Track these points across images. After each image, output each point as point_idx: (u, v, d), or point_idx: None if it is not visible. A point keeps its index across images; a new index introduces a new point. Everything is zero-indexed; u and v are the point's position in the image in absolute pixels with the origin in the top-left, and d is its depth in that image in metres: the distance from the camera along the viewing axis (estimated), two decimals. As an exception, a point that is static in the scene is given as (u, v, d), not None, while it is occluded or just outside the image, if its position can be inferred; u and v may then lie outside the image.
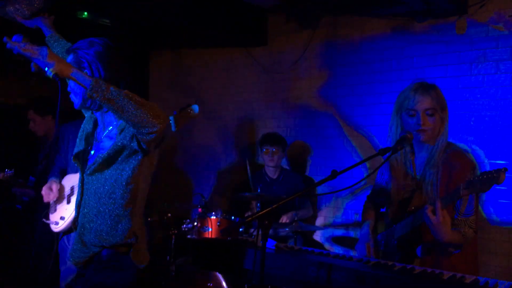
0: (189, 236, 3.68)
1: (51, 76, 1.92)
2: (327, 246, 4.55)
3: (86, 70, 2.09)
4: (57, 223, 3.31)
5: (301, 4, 4.66)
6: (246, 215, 4.37)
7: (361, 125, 4.39)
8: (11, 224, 4.62)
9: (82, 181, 2.23)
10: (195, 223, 3.70)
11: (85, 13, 4.70)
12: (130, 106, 1.91)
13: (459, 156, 2.50)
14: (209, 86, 5.63)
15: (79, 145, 2.30)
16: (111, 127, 2.22)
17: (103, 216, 2.13)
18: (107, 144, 2.18)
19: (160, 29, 5.33)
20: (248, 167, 4.08)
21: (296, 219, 3.77)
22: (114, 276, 2.12)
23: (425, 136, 2.48)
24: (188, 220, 3.88)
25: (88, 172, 2.18)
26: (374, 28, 4.29)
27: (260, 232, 2.05)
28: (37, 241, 4.07)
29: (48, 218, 3.39)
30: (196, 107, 3.07)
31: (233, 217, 3.68)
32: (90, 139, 2.30)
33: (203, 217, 3.70)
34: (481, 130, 3.70)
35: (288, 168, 4.71)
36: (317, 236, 4.65)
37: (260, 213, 2.03)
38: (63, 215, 3.27)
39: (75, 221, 2.27)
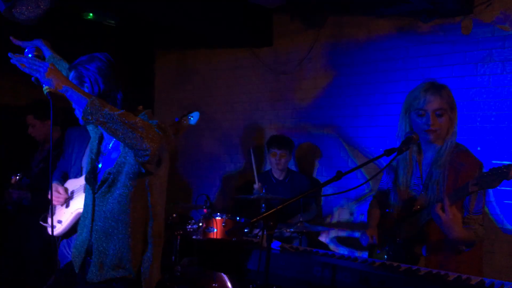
0: (194, 237, 3.68)
1: (45, 93, 2.00)
2: (332, 247, 4.54)
3: (86, 84, 2.13)
4: (54, 227, 3.30)
5: (306, 4, 4.65)
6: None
7: (366, 125, 4.38)
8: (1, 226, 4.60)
9: (93, 202, 2.19)
10: (200, 224, 3.70)
11: (91, 14, 4.72)
12: (122, 129, 1.92)
13: (466, 156, 2.49)
14: (214, 86, 5.63)
15: (88, 167, 2.29)
16: (112, 142, 2.23)
17: (114, 240, 2.11)
18: (114, 155, 2.18)
19: (165, 30, 5.34)
20: (252, 157, 4.07)
21: (301, 220, 3.76)
22: None
23: (434, 136, 2.48)
24: (193, 221, 3.88)
25: (98, 192, 2.15)
26: (380, 28, 4.28)
27: (265, 233, 2.06)
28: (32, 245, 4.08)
29: (46, 221, 3.38)
30: (196, 114, 3.03)
31: (238, 218, 3.68)
32: (97, 156, 2.30)
33: (208, 218, 3.69)
34: (487, 130, 3.68)
35: (295, 169, 4.70)
36: (322, 237, 4.64)
37: (265, 214, 2.04)
38: (60, 219, 3.25)
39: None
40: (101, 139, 2.33)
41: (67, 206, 3.26)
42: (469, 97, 3.75)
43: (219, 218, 3.64)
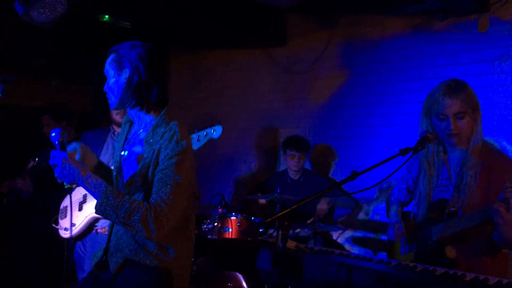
0: (209, 236, 3.70)
1: (65, 187, 2.07)
2: (347, 247, 4.52)
3: (126, 69, 2.09)
4: (67, 229, 3.33)
5: (320, 4, 4.64)
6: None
7: (381, 125, 4.36)
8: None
9: None
10: (216, 224, 3.72)
11: (106, 16, 4.77)
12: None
13: (497, 156, 2.43)
14: (228, 87, 5.65)
15: (114, 165, 2.29)
16: (141, 130, 2.18)
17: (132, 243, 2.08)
18: (137, 149, 2.15)
19: (179, 31, 5.38)
20: None
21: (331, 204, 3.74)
22: None
23: (457, 140, 2.42)
24: (208, 221, 3.90)
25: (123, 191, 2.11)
26: (394, 27, 4.26)
27: (280, 233, 2.06)
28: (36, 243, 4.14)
29: (57, 224, 3.42)
30: (219, 129, 3.03)
31: (253, 218, 3.69)
32: (124, 143, 2.28)
33: (224, 218, 3.71)
34: (505, 130, 3.64)
35: (310, 169, 4.69)
36: (337, 237, 4.62)
37: (280, 214, 2.04)
38: (74, 222, 3.29)
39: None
40: (130, 126, 2.30)
41: (80, 209, 3.29)
42: (486, 96, 3.71)
43: (234, 218, 3.66)
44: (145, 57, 2.08)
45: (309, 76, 4.89)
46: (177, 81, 6.28)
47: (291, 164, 4.34)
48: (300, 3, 4.75)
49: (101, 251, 2.25)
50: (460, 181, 2.42)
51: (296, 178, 4.40)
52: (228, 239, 3.53)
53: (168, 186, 1.97)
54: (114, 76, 2.12)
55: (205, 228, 3.86)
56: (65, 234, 3.35)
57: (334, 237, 4.50)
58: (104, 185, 1.99)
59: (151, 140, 2.06)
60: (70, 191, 2.10)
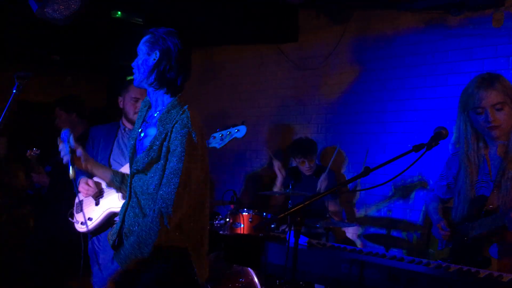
0: (221, 232, 3.72)
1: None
2: (359, 243, 4.51)
3: (156, 51, 2.17)
4: (83, 223, 3.34)
5: (332, -1, 4.62)
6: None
7: (393, 121, 4.33)
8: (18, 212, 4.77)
9: (131, 180, 2.23)
10: (227, 219, 3.73)
11: (119, 12, 4.79)
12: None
13: None
14: (239, 82, 5.65)
15: (130, 143, 2.34)
16: (156, 113, 2.24)
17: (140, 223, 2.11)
18: (152, 131, 2.20)
19: (191, 27, 5.38)
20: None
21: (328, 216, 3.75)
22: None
23: (498, 132, 2.37)
24: (220, 216, 3.92)
25: (133, 171, 2.19)
26: (407, 22, 4.22)
27: (292, 229, 2.06)
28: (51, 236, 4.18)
29: (73, 217, 3.43)
30: (243, 129, 3.02)
31: (265, 214, 3.69)
32: (141, 124, 2.34)
33: (235, 213, 3.72)
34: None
35: (319, 163, 4.68)
36: (349, 233, 4.61)
37: (292, 209, 2.04)
38: (91, 216, 3.29)
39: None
40: (148, 109, 2.35)
41: (97, 203, 3.31)
42: (500, 91, 3.66)
43: (246, 213, 3.67)
44: (177, 45, 2.19)
45: (321, 72, 4.87)
46: (188, 77, 6.29)
47: (303, 169, 4.36)
48: (312, -2, 4.73)
49: (114, 234, 2.28)
50: (500, 176, 2.36)
51: (308, 174, 4.39)
52: (240, 234, 3.54)
53: (171, 185, 2.03)
54: (144, 56, 2.20)
55: (217, 224, 3.88)
56: (81, 228, 3.36)
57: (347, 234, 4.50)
58: None
59: (165, 120, 2.14)
60: (74, 181, 2.18)
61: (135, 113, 3.28)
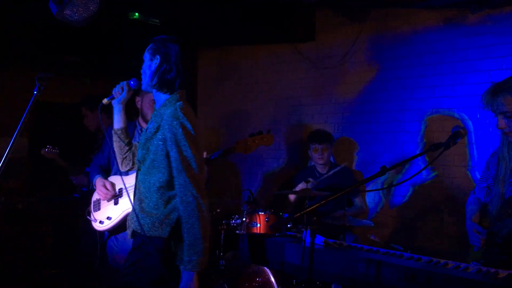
0: (238, 232, 3.72)
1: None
2: (382, 244, 4.47)
3: (157, 56, 2.43)
4: (101, 222, 3.37)
5: (349, -2, 4.59)
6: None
7: (412, 120, 4.29)
8: (68, 215, 4.88)
9: (137, 175, 2.50)
10: (244, 219, 3.74)
11: (136, 14, 4.84)
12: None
13: None
14: (256, 82, 5.66)
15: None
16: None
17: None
18: (148, 132, 2.43)
19: (207, 27, 5.41)
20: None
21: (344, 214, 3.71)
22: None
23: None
24: (236, 216, 3.92)
25: (138, 167, 2.50)
26: (426, 20, 4.17)
27: (308, 228, 2.07)
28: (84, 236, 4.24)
29: (90, 215, 3.47)
30: (270, 138, 3.17)
31: (281, 213, 3.69)
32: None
33: (252, 213, 3.72)
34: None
35: (335, 162, 4.66)
36: (368, 233, 4.58)
37: (308, 209, 2.04)
38: (110, 216, 3.32)
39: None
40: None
41: (116, 203, 3.34)
42: (521, 89, 3.60)
43: (262, 213, 3.67)
44: (175, 50, 2.43)
45: (338, 71, 4.85)
46: (205, 77, 6.32)
47: (316, 157, 4.36)
48: (329, -3, 4.71)
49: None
50: None
51: (324, 172, 4.38)
52: (256, 234, 3.55)
53: (182, 176, 2.25)
54: (148, 62, 2.47)
55: (233, 223, 3.89)
56: (98, 227, 3.40)
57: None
58: None
59: (157, 114, 2.39)
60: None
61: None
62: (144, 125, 3.42)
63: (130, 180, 3.15)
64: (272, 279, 3.63)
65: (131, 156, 2.66)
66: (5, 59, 5.61)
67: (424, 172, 4.09)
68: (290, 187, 4.52)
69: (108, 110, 4.42)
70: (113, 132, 2.69)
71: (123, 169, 2.70)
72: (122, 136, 2.66)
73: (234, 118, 5.84)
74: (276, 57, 5.43)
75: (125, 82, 2.62)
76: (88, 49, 5.68)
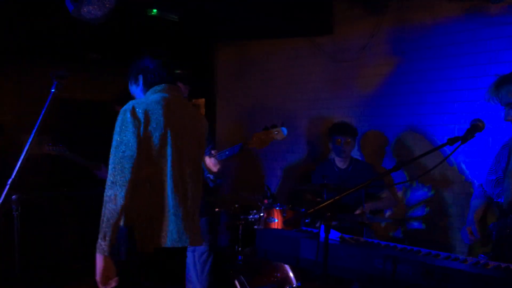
0: (255, 227, 3.73)
1: None
2: (399, 239, 4.42)
3: (137, 76, 2.66)
4: None
5: (367, -10, 4.53)
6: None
7: (432, 113, 4.22)
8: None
9: None
10: (262, 214, 3.75)
11: (154, 10, 4.86)
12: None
13: None
14: (274, 76, 5.64)
15: None
16: None
17: None
18: None
19: (225, 22, 5.41)
20: None
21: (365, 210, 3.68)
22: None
23: None
24: (254, 211, 3.93)
25: None
26: (446, 10, 4.09)
27: (323, 224, 2.05)
28: None
29: None
30: (284, 130, 3.04)
31: (298, 208, 3.68)
32: None
33: (270, 208, 3.73)
34: None
35: (360, 159, 4.60)
36: (390, 229, 4.53)
37: (322, 204, 2.03)
38: None
39: None
40: None
41: None
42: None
43: (280, 208, 3.67)
44: (151, 60, 2.62)
45: (356, 64, 4.79)
46: (223, 72, 6.33)
47: (338, 149, 4.24)
48: (347, -11, 4.65)
49: None
50: None
51: (343, 167, 4.31)
52: (274, 229, 3.55)
53: (110, 168, 2.28)
54: (134, 86, 2.72)
55: (251, 218, 3.90)
56: None
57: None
58: None
59: None
60: None
61: None
62: None
63: None
64: (291, 274, 3.63)
65: None
66: (28, 57, 5.72)
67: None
68: (308, 182, 4.50)
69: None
70: None
71: None
72: None
73: (253, 112, 5.83)
74: (294, 51, 5.40)
75: None
76: (108, 46, 5.74)
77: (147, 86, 2.60)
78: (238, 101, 6.06)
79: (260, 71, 5.81)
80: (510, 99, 2.31)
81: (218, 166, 3.03)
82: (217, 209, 4.29)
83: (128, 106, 2.38)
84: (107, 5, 3.10)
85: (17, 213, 2.39)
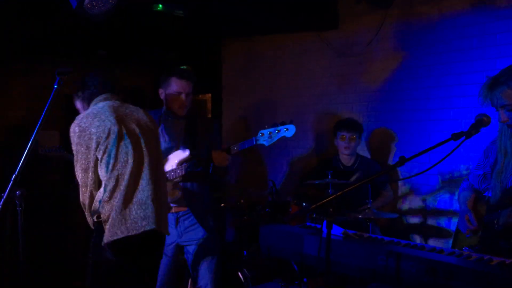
0: (260, 222, 3.73)
1: None
2: (405, 234, 4.39)
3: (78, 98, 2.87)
4: None
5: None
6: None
7: (439, 108, 4.17)
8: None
9: None
10: (267, 209, 3.74)
11: (160, 5, 4.86)
12: None
13: None
14: (281, 72, 5.61)
15: None
16: None
17: None
18: None
19: (232, 18, 5.39)
20: None
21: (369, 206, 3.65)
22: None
23: None
24: (260, 206, 3.93)
25: None
26: (453, 4, 4.04)
27: (325, 220, 2.04)
28: None
29: None
30: (292, 128, 2.97)
31: (304, 204, 3.67)
32: None
33: (275, 204, 3.72)
34: None
35: (367, 155, 4.56)
36: (395, 223, 4.50)
37: (325, 200, 2.01)
38: None
39: None
40: None
41: None
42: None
43: (285, 203, 3.65)
44: (86, 81, 2.81)
45: (363, 59, 4.75)
46: (230, 67, 6.32)
47: (342, 145, 4.21)
48: (352, -17, 4.61)
49: None
50: None
51: (348, 164, 4.27)
52: (278, 225, 3.53)
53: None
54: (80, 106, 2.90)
55: (256, 214, 3.89)
56: None
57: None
58: None
59: None
60: None
61: (178, 107, 3.33)
62: (169, 115, 3.44)
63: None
64: (297, 270, 3.62)
65: None
66: (37, 55, 5.76)
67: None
68: (312, 178, 4.46)
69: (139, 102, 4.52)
70: None
71: None
72: None
73: (260, 108, 5.82)
74: (300, 46, 5.37)
75: None
76: (114, 42, 5.75)
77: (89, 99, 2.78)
78: (245, 97, 6.05)
79: (266, 66, 5.79)
80: (504, 101, 2.28)
81: (227, 162, 3.06)
82: (222, 205, 4.29)
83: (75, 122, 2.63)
84: (111, 1, 3.09)
85: (20, 209, 2.40)
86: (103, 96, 2.73)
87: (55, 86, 2.48)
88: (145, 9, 4.83)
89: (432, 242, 4.16)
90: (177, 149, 3.27)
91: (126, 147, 2.55)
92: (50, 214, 5.45)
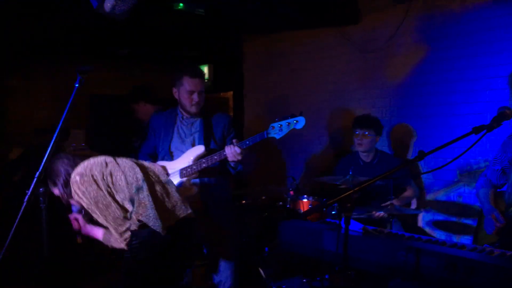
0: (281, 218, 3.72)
1: None
2: (427, 230, 4.33)
3: None
4: None
5: (395, -23, 4.42)
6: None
7: (463, 102, 4.09)
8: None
9: None
10: (288, 206, 3.74)
11: (181, 4, 4.89)
12: None
13: None
14: (301, 68, 5.59)
15: None
16: None
17: None
18: None
19: (252, 15, 5.39)
20: None
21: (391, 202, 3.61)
22: None
23: None
24: (280, 203, 3.92)
25: None
26: (476, -4, 3.96)
27: (342, 215, 2.03)
28: None
29: None
30: (302, 120, 2.96)
31: (325, 200, 3.65)
32: None
33: (295, 200, 3.72)
34: None
35: (389, 151, 4.50)
36: (418, 220, 4.44)
37: (342, 196, 2.00)
38: None
39: None
40: None
41: None
42: None
43: (306, 200, 3.66)
44: None
45: (384, 54, 4.69)
46: (251, 64, 6.33)
47: (355, 142, 4.15)
48: (373, -23, 4.55)
49: None
50: None
51: (368, 160, 4.21)
52: (298, 221, 3.53)
53: None
54: None
55: (277, 210, 3.89)
56: None
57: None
58: None
59: None
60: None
61: (192, 105, 3.36)
62: (184, 113, 3.48)
63: (175, 165, 3.23)
64: (318, 266, 3.61)
65: None
66: (61, 55, 5.88)
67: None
68: (332, 173, 4.44)
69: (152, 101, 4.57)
70: None
71: None
72: None
73: (280, 104, 5.81)
74: (321, 42, 5.34)
75: None
76: (135, 41, 5.82)
77: None
78: (266, 93, 6.05)
79: (287, 62, 5.78)
80: None
81: (240, 156, 3.05)
82: (243, 201, 4.30)
83: None
84: (131, 0, 3.14)
85: (44, 205, 2.45)
86: None
87: (76, 85, 2.52)
88: (165, 8, 4.88)
89: (455, 239, 4.09)
90: (193, 146, 3.30)
91: None
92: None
